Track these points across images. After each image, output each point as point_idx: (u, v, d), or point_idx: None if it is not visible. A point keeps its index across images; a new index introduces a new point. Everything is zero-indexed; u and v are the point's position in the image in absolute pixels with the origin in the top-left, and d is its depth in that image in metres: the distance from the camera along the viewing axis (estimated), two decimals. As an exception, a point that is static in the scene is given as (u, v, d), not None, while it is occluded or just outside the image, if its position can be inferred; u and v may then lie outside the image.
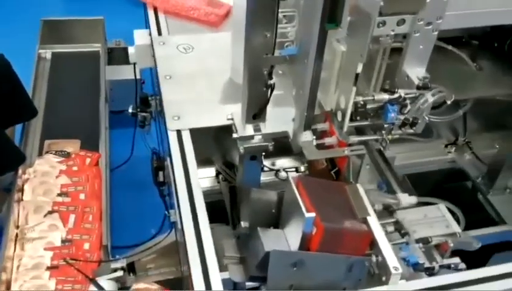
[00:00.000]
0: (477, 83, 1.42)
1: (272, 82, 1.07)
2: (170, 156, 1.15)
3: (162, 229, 2.04)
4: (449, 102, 1.22)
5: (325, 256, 0.95)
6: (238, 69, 1.34)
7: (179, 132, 1.20)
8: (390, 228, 1.02)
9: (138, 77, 2.22)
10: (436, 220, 1.10)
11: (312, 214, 0.92)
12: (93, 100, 2.32)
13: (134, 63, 1.98)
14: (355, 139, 1.19)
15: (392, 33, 1.08)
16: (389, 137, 1.20)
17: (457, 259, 1.09)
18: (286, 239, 1.02)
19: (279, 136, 1.17)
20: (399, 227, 1.03)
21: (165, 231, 1.97)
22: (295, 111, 1.09)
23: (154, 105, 1.98)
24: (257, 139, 1.16)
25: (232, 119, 1.19)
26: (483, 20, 1.24)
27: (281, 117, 1.18)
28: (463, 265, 1.09)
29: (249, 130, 1.15)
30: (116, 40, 2.78)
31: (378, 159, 1.21)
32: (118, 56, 2.66)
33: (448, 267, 1.08)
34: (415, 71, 1.17)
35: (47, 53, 2.57)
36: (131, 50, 1.80)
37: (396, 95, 1.15)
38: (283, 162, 1.56)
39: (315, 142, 1.15)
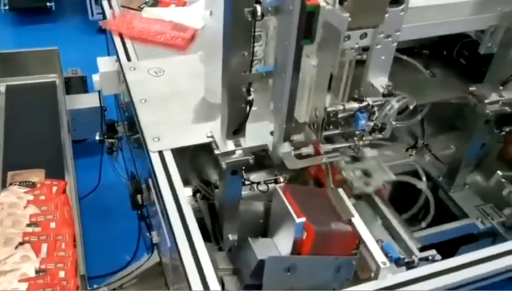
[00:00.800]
0: (431, 89, 1.54)
1: (250, 98, 1.13)
2: (154, 177, 1.18)
3: (137, 254, 2.03)
4: (411, 107, 1.31)
5: (316, 258, 1.00)
6: (211, 89, 1.39)
7: (161, 153, 1.22)
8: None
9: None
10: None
11: (303, 219, 0.97)
12: (54, 130, 2.28)
13: (99, 91, 1.98)
14: (329, 147, 1.27)
15: (357, 46, 1.17)
16: (361, 143, 1.28)
17: (433, 251, 1.18)
18: (276, 247, 1.07)
19: (259, 149, 1.22)
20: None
21: (139, 257, 1.97)
22: (274, 124, 1.15)
23: (122, 131, 2.00)
24: (238, 154, 1.20)
25: (212, 136, 1.23)
26: (434, 30, 1.35)
27: (257, 132, 1.23)
28: (439, 257, 1.18)
29: (230, 145, 1.20)
30: (72, 69, 2.75)
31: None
32: (76, 85, 2.64)
33: (426, 259, 1.16)
34: (379, 80, 1.26)
35: (1, 87, 2.51)
36: (95, 77, 1.81)
37: (364, 103, 1.23)
38: (257, 177, 1.61)
39: (293, 153, 1.21)
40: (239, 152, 1.20)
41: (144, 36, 1.62)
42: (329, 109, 1.19)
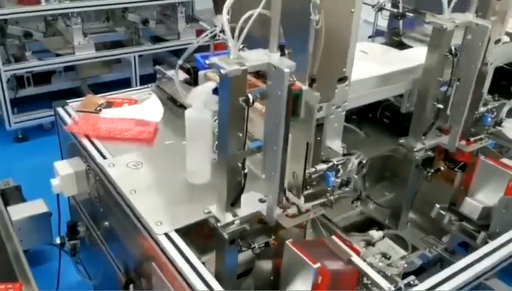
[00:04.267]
0: (370, 145, 1.84)
1: (245, 171, 1.31)
2: (167, 258, 1.28)
3: None
4: (364, 162, 1.58)
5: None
6: (193, 171, 1.55)
7: (167, 234, 1.33)
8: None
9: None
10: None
11: (318, 264, 1.15)
12: (1, 243, 2.21)
13: (58, 195, 2.00)
14: (309, 204, 1.47)
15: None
16: (332, 197, 1.51)
17: (412, 277, 1.40)
18: (293, 297, 1.21)
19: (253, 216, 1.39)
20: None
21: None
22: (268, 190, 1.32)
23: (84, 230, 2.03)
24: (236, 224, 1.36)
25: (210, 212, 1.37)
26: (369, 98, 1.68)
27: (247, 201, 1.40)
28: (417, 281, 1.41)
29: (229, 217, 1.35)
30: (3, 181, 2.69)
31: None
32: (13, 196, 2.58)
33: (409, 284, 1.38)
34: (335, 143, 1.52)
35: None
36: (54, 181, 1.86)
37: (331, 163, 1.47)
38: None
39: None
40: (237, 222, 1.36)
41: (111, 135, 1.74)
42: (308, 172, 1.41)
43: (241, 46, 1.19)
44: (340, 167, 1.49)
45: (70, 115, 1.90)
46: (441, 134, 1.82)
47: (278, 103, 1.19)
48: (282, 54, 1.23)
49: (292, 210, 1.44)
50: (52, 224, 2.38)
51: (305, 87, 1.21)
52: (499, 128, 1.89)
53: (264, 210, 1.38)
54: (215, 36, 1.65)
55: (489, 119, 1.82)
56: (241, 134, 1.26)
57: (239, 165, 1.30)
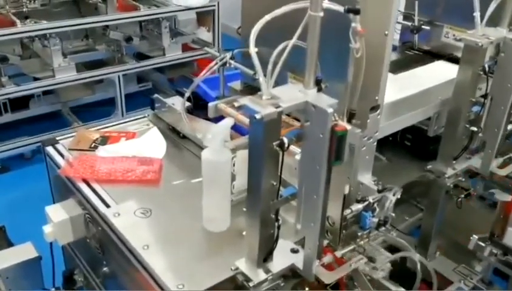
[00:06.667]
0: (395, 173, 1.70)
1: (279, 223, 1.15)
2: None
3: None
4: (399, 196, 1.44)
5: None
6: (210, 218, 1.37)
7: (192, 299, 1.16)
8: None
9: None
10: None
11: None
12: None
13: (51, 243, 1.80)
14: (344, 251, 1.32)
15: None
16: (368, 241, 1.36)
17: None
18: None
19: (287, 270, 1.22)
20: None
21: None
22: (307, 242, 1.16)
23: (82, 280, 1.84)
24: (269, 281, 1.19)
25: (237, 268, 1.20)
26: (399, 125, 1.54)
27: (279, 253, 1.23)
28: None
29: (261, 274, 1.18)
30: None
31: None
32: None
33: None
34: (366, 177, 1.37)
35: None
36: (47, 229, 1.66)
37: (366, 202, 1.32)
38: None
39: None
40: (270, 278, 1.19)
41: (112, 177, 1.55)
42: (344, 214, 1.26)
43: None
44: (375, 204, 1.34)
45: (61, 155, 1.70)
46: (470, 156, 1.69)
47: (319, 146, 1.03)
48: (319, 90, 1.07)
49: (328, 259, 1.28)
50: (43, 269, 2.18)
51: (349, 126, 1.05)
52: (527, 145, 1.77)
53: (299, 262, 1.22)
54: (225, 63, 1.48)
55: (517, 137, 1.70)
56: (275, 183, 1.10)
57: (272, 216, 1.14)
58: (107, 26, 3.54)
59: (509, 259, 1.49)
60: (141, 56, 3.84)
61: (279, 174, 1.09)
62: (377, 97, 1.27)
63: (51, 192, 1.87)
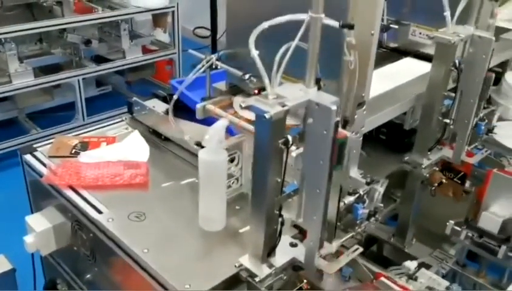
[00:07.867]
0: (375, 166, 1.77)
1: (282, 218, 1.19)
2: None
3: None
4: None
5: None
6: (207, 217, 1.39)
7: (200, 298, 1.18)
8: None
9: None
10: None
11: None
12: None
13: (32, 254, 1.75)
14: (339, 242, 1.37)
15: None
16: (359, 230, 1.42)
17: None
18: None
19: (289, 264, 1.26)
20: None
21: None
22: (309, 235, 1.20)
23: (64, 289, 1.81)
24: (273, 275, 1.23)
25: (241, 265, 1.23)
26: (381, 120, 1.61)
27: (279, 248, 1.27)
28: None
29: (265, 269, 1.22)
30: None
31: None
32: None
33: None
34: (353, 171, 1.43)
35: None
36: (29, 239, 1.61)
37: (357, 195, 1.38)
38: None
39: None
40: (273, 273, 1.23)
41: (100, 183, 1.53)
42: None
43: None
44: (365, 197, 1.40)
45: (43, 163, 1.66)
46: (441, 147, 1.79)
47: (323, 143, 1.08)
48: (319, 88, 1.12)
49: (324, 251, 1.33)
50: (18, 281, 2.10)
51: (349, 134, 1.11)
52: (491, 135, 1.90)
53: (299, 255, 1.26)
54: (211, 65, 1.50)
55: (482, 128, 1.82)
56: (279, 179, 1.13)
57: (276, 212, 1.17)
58: (63, 29, 3.44)
59: (485, 241, 1.60)
60: (99, 59, 3.76)
61: (283, 171, 1.12)
62: (363, 94, 1.33)
63: (29, 201, 1.82)
